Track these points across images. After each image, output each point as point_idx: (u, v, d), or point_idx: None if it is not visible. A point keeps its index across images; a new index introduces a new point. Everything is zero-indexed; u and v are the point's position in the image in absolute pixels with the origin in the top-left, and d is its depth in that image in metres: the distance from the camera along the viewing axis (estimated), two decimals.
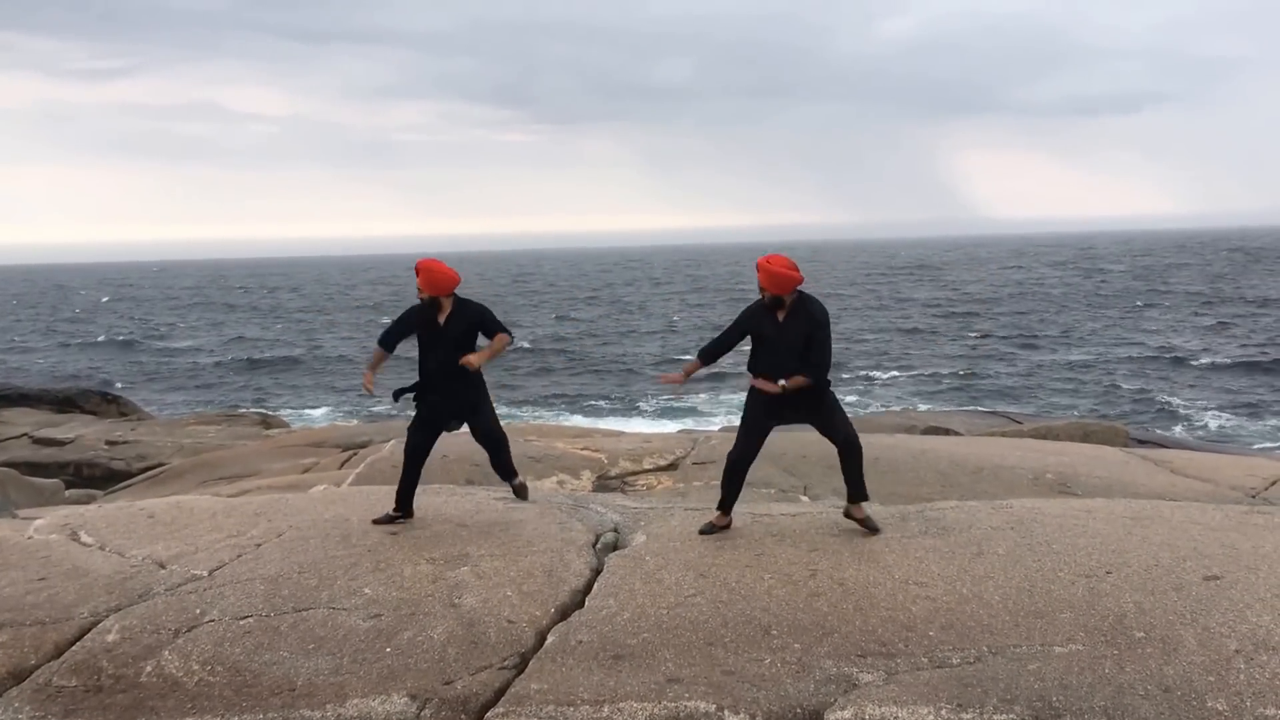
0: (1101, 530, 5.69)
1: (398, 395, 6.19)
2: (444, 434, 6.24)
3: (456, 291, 6.08)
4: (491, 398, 6.30)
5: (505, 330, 6.09)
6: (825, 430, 5.76)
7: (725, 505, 5.88)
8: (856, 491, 5.77)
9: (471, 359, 5.90)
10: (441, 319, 6.01)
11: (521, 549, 5.58)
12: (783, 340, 5.56)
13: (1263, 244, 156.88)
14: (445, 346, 5.96)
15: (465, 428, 6.23)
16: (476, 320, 6.05)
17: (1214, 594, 4.68)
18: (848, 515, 5.83)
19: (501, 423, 6.33)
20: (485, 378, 6.21)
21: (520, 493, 6.41)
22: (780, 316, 5.61)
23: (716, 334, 6.00)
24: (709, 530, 5.78)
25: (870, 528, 5.72)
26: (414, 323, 6.10)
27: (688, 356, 44.95)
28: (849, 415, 5.86)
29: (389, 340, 6.15)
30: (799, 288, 5.63)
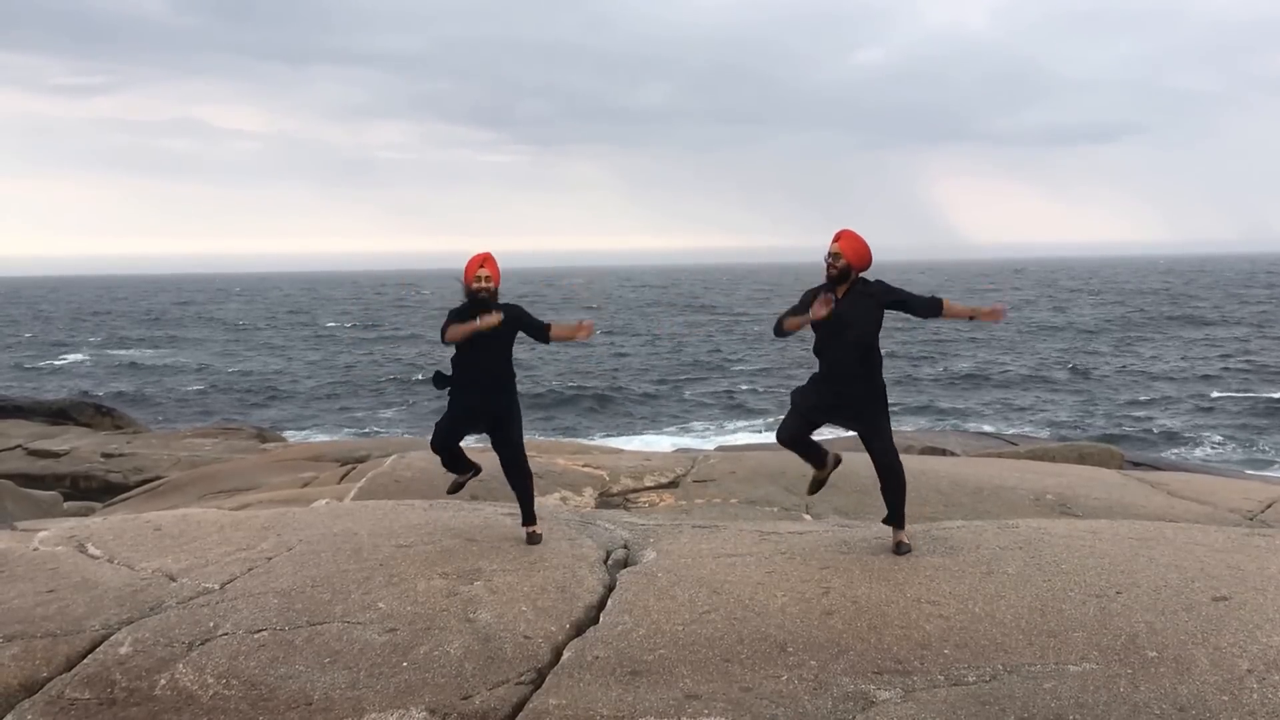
0: (1108, 551, 5.73)
1: (439, 380, 6.02)
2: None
3: None
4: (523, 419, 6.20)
5: (544, 322, 5.99)
6: (868, 441, 5.67)
7: (815, 461, 5.88)
8: (893, 516, 5.75)
9: (490, 317, 5.69)
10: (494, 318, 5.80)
11: (534, 564, 5.60)
12: (844, 315, 5.50)
13: (1236, 270, 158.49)
14: (491, 347, 5.83)
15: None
16: (515, 319, 5.88)
17: (1224, 614, 4.73)
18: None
19: None
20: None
21: (532, 540, 6.01)
22: (840, 294, 5.57)
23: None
24: (816, 487, 5.96)
25: (901, 551, 5.68)
26: (463, 319, 5.85)
27: (684, 377, 44.60)
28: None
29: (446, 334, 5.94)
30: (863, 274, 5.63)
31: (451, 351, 6.00)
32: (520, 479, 6.06)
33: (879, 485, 5.80)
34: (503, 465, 6.11)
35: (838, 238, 5.60)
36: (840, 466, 6.05)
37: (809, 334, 5.72)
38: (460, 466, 6.26)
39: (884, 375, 5.74)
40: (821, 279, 5.70)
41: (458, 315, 5.87)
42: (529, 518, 6.08)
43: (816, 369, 5.73)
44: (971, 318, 5.65)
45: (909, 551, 5.68)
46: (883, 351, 5.72)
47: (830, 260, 5.58)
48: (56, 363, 56.36)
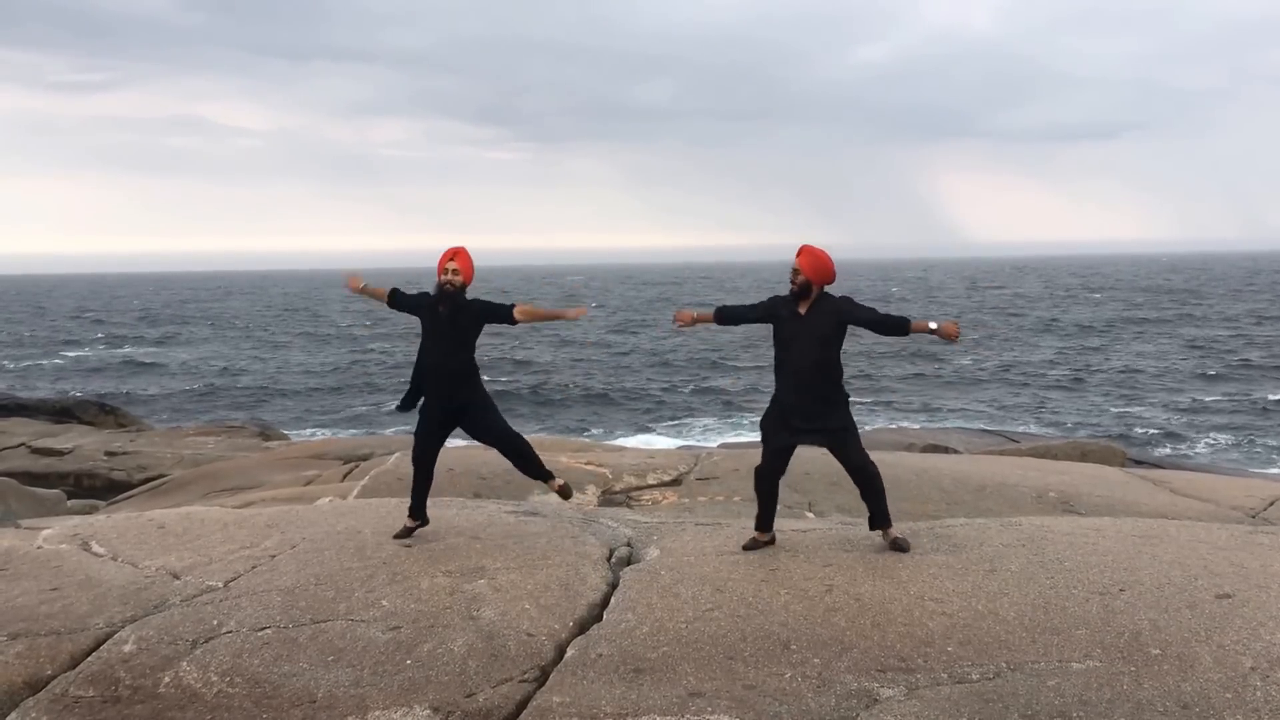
0: (1112, 548, 5.73)
1: (403, 406, 6.10)
2: (447, 446, 6.21)
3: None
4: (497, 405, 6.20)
5: (510, 304, 6.00)
6: (840, 455, 5.70)
7: (760, 523, 5.85)
8: (878, 519, 5.76)
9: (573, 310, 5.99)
10: (449, 313, 5.91)
11: (536, 562, 5.60)
12: (804, 330, 5.54)
13: (1238, 268, 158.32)
14: (449, 341, 5.89)
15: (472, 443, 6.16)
16: (479, 313, 5.95)
17: (1227, 612, 4.72)
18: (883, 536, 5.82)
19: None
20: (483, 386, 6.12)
21: (564, 493, 6.22)
22: (803, 309, 5.61)
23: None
24: (752, 546, 5.76)
25: (900, 547, 5.67)
26: (423, 306, 5.99)
27: (686, 375, 44.58)
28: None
29: (396, 295, 6.11)
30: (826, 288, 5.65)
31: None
32: (519, 451, 6.08)
33: (860, 494, 5.79)
34: (501, 450, 6.14)
35: (799, 253, 5.63)
36: (840, 469, 6.04)
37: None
38: (417, 501, 6.12)
39: (846, 387, 5.76)
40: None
41: (414, 297, 6.09)
42: (544, 473, 6.16)
43: (778, 380, 5.72)
44: (933, 332, 5.53)
45: (908, 548, 5.67)
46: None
47: (791, 275, 5.62)
48: (58, 361, 56.41)
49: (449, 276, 5.91)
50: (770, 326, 5.74)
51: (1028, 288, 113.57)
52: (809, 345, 5.55)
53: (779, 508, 5.99)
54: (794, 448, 5.79)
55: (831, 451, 5.75)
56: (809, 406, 5.60)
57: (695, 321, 5.86)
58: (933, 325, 5.50)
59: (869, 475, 5.68)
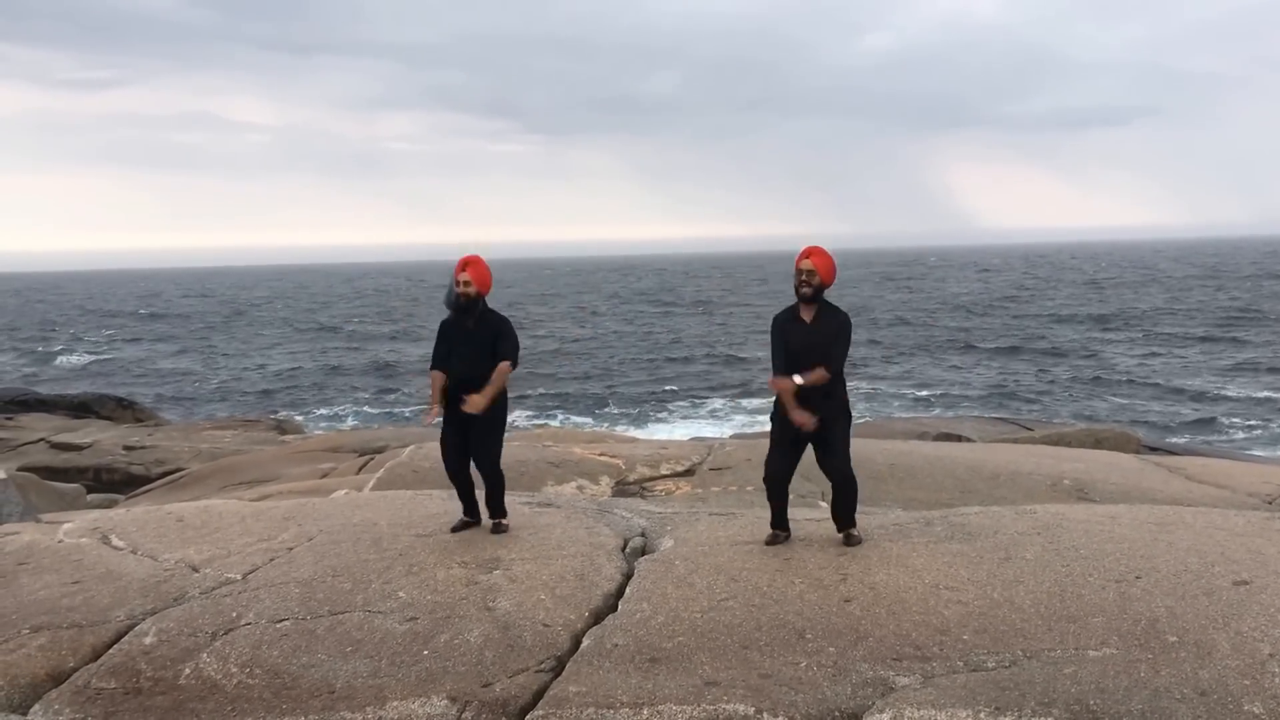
0: (1127, 536, 5.71)
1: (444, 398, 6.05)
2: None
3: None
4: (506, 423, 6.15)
5: (511, 357, 5.92)
6: (823, 458, 5.63)
7: (774, 521, 5.83)
8: (844, 523, 5.73)
9: (476, 400, 5.73)
10: (472, 323, 5.94)
11: (551, 553, 5.63)
12: (816, 338, 5.49)
13: (1252, 255, 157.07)
14: (474, 350, 5.90)
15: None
16: (497, 331, 5.94)
17: (1244, 599, 4.71)
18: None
19: (516, 429, 6.20)
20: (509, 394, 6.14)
21: (496, 530, 6.08)
22: (809, 318, 5.59)
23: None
24: (772, 541, 5.75)
25: (849, 542, 5.64)
26: (450, 333, 6.02)
27: (697, 366, 44.46)
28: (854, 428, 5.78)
29: (440, 361, 6.00)
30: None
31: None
32: (494, 486, 6.04)
33: (831, 495, 5.78)
34: (479, 467, 6.05)
35: (808, 254, 5.55)
36: (853, 454, 6.02)
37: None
38: (467, 503, 6.15)
39: (848, 394, 5.71)
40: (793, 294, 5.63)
41: (443, 330, 6.03)
42: (500, 511, 6.11)
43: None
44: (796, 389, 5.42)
45: (860, 542, 5.62)
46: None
47: (805, 279, 5.52)
48: (74, 358, 56.80)
49: (462, 288, 5.90)
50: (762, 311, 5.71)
51: (1037, 275, 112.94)
52: (819, 353, 5.48)
53: (791, 497, 5.99)
54: (800, 450, 5.74)
55: (817, 450, 5.65)
56: (814, 407, 5.52)
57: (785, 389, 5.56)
58: (802, 378, 5.40)
59: (849, 484, 5.61)
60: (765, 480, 5.80)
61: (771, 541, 5.76)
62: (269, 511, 6.78)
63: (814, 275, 5.52)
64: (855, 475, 5.68)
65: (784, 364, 5.53)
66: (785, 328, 5.61)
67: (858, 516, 5.82)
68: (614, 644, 4.51)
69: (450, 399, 6.02)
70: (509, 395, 6.19)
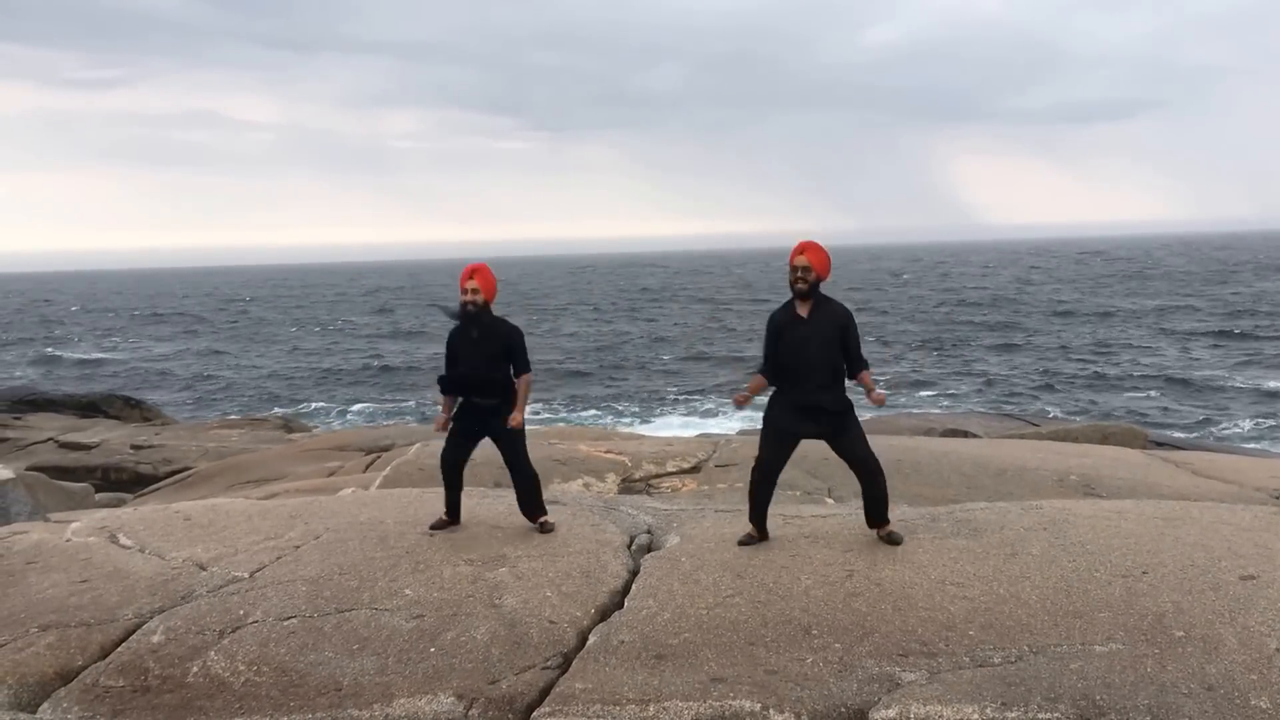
0: (1134, 531, 5.70)
1: (443, 382, 6.09)
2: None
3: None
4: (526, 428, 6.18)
5: (528, 368, 6.01)
6: (844, 452, 5.64)
7: (752, 517, 5.78)
8: (877, 515, 5.70)
9: (516, 417, 5.89)
10: (478, 331, 5.94)
11: (557, 550, 5.64)
12: (812, 332, 5.49)
13: (1258, 248, 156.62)
14: (482, 357, 5.92)
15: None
16: (508, 342, 5.94)
17: (1251, 593, 4.70)
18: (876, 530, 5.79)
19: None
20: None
21: (544, 529, 6.10)
22: (805, 312, 5.57)
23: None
24: (748, 541, 5.70)
25: (892, 541, 5.61)
26: (457, 342, 6.04)
27: (704, 365, 44.37)
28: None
29: (450, 372, 6.06)
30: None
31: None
32: (528, 485, 6.10)
33: (860, 490, 5.74)
34: (512, 475, 6.15)
35: (802, 250, 5.54)
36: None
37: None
38: (453, 503, 6.19)
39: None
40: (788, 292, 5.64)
41: (451, 342, 6.06)
42: (537, 511, 6.15)
43: (779, 384, 5.64)
44: (869, 392, 5.51)
45: (901, 540, 5.59)
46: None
47: (800, 274, 5.51)
48: (80, 356, 56.98)
49: (470, 296, 5.92)
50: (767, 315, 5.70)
51: (1043, 270, 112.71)
52: (819, 347, 5.48)
53: (798, 494, 5.99)
54: (794, 443, 5.73)
55: (836, 448, 5.65)
56: (814, 402, 5.53)
57: (752, 395, 5.73)
58: (877, 392, 5.46)
59: (876, 472, 5.61)
60: (754, 472, 5.73)
61: (747, 542, 5.67)
62: (276, 510, 6.80)
63: (809, 271, 5.52)
64: (880, 466, 5.63)
65: (771, 369, 5.63)
66: (782, 326, 5.60)
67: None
68: (620, 641, 4.51)
69: (460, 407, 6.07)
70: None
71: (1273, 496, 8.83)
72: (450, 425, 6.13)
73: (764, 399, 5.87)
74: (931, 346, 47.16)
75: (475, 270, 5.97)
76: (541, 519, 6.13)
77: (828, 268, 5.57)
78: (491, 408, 5.99)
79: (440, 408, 6.18)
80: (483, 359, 5.92)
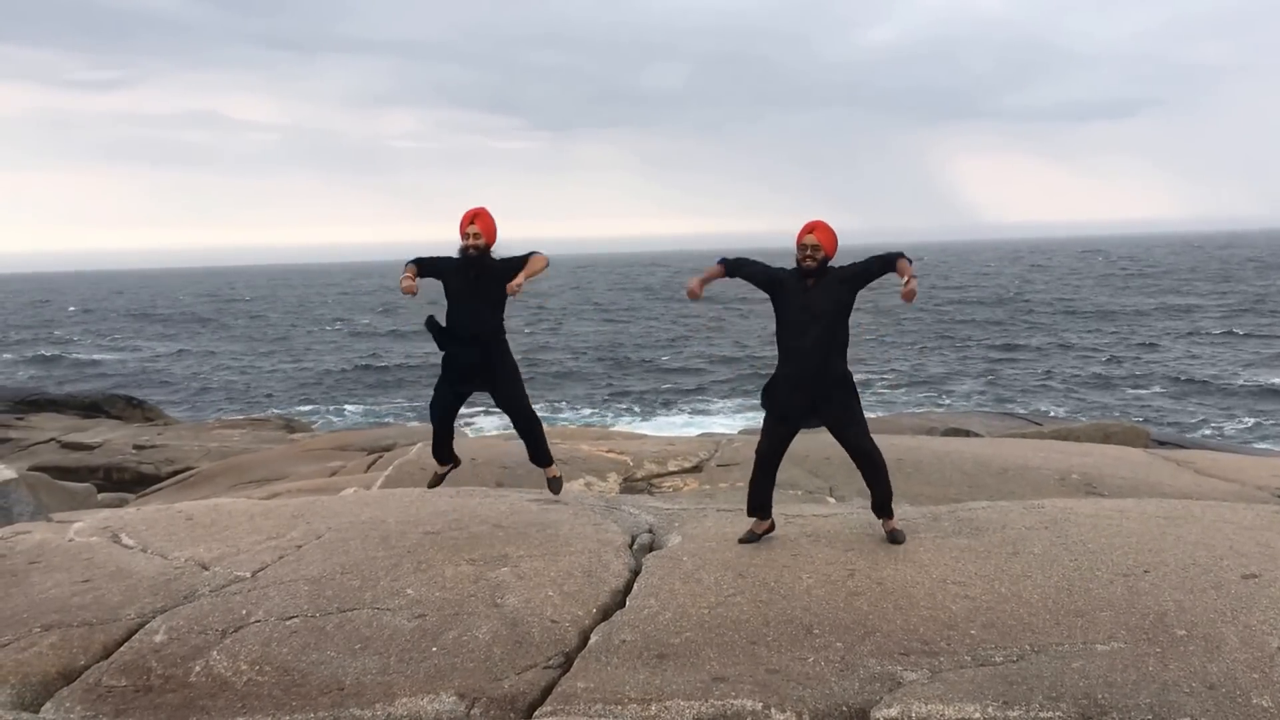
0: (1135, 530, 5.70)
1: (431, 324, 6.02)
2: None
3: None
4: (523, 378, 6.18)
5: (536, 252, 5.85)
6: (843, 438, 5.58)
7: (752, 509, 5.74)
8: (881, 507, 5.67)
9: (519, 280, 5.65)
10: (476, 273, 5.83)
11: (559, 550, 5.64)
12: (817, 304, 5.44)
13: (1261, 246, 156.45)
14: (478, 304, 5.84)
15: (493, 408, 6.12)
16: (505, 267, 5.81)
17: (1253, 592, 4.70)
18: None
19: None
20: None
21: (554, 486, 6.29)
22: (811, 283, 5.51)
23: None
24: (750, 539, 5.68)
25: (894, 539, 5.59)
26: (446, 270, 5.86)
27: (704, 363, 44.39)
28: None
29: (421, 264, 5.84)
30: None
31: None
32: (532, 431, 6.09)
33: (863, 487, 5.73)
34: (515, 427, 6.17)
35: (811, 229, 5.50)
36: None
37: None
38: (444, 454, 6.21)
39: (849, 364, 5.62)
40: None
41: (437, 261, 5.90)
42: (545, 458, 6.18)
43: (780, 360, 5.60)
44: (906, 282, 5.31)
45: (903, 539, 5.58)
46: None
47: (809, 253, 5.46)
48: (81, 356, 57.03)
49: (471, 240, 5.83)
50: (768, 298, 5.64)
51: (1044, 269, 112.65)
52: (822, 321, 5.44)
53: (799, 493, 5.99)
54: (794, 431, 5.69)
55: (833, 429, 5.60)
56: (814, 379, 5.47)
57: (705, 283, 5.67)
58: (908, 278, 5.27)
59: (874, 457, 5.56)
60: (757, 456, 5.69)
61: (749, 539, 5.65)
62: (278, 510, 6.80)
63: (819, 250, 5.48)
64: (879, 452, 5.57)
65: (738, 265, 5.69)
66: (785, 280, 5.54)
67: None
68: (622, 640, 4.52)
69: (449, 357, 5.96)
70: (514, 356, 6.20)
71: (1275, 495, 8.83)
72: (440, 387, 6.08)
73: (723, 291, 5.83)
74: (933, 345, 47.15)
75: (476, 215, 5.87)
76: (552, 474, 6.16)
77: (835, 247, 5.56)
78: (483, 357, 5.92)
79: (405, 274, 5.85)
80: (483, 303, 5.85)
